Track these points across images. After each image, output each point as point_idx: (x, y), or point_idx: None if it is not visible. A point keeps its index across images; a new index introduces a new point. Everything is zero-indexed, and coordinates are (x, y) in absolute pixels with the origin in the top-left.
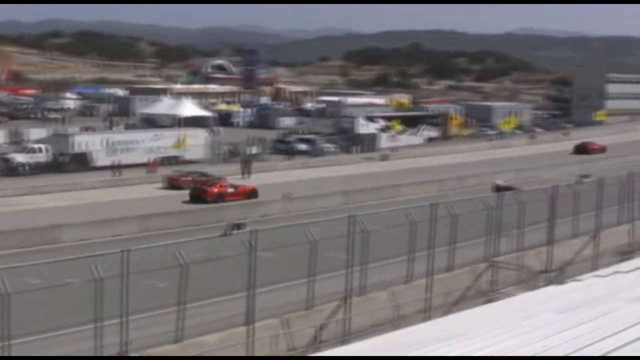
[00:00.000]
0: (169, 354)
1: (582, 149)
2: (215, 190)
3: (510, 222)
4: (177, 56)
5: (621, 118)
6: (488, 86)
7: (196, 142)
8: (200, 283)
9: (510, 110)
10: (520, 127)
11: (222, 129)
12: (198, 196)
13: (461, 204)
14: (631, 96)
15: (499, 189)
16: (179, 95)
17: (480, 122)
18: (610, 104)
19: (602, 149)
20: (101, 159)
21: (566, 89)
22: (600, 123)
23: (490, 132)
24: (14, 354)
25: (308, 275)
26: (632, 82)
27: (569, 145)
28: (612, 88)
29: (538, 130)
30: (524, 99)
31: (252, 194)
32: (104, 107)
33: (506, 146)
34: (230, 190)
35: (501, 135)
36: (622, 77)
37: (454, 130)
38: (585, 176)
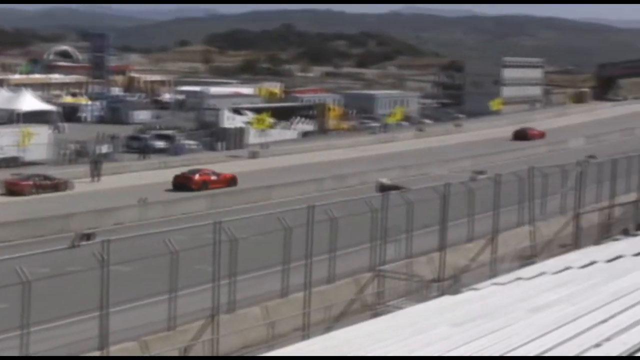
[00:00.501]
0: None
1: (521, 135)
2: (200, 178)
3: (398, 226)
4: (14, 42)
5: (520, 107)
6: (370, 72)
7: (38, 141)
8: (46, 302)
9: (396, 99)
10: (406, 118)
11: (67, 125)
12: (182, 185)
13: (342, 206)
14: (529, 82)
15: (384, 188)
16: (17, 86)
17: (361, 113)
18: (507, 92)
19: (542, 135)
20: None
21: (458, 75)
22: (496, 113)
23: (373, 125)
24: None
25: (169, 291)
26: (530, 67)
27: (462, 137)
28: (508, 73)
29: (427, 121)
30: (411, 87)
31: (232, 181)
32: None
33: (391, 140)
34: (213, 177)
35: (386, 127)
36: (519, 61)
37: (332, 122)
38: (481, 172)
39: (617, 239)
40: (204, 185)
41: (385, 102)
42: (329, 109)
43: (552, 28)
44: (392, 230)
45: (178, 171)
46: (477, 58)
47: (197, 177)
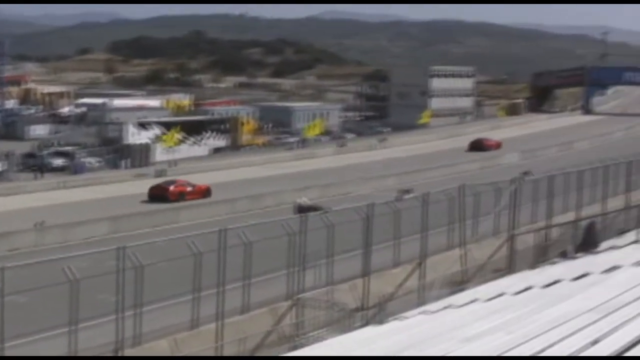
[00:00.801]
0: None
1: (477, 146)
2: (177, 189)
3: (318, 250)
4: None
5: (449, 120)
6: (287, 83)
7: None
8: None
9: (315, 112)
10: (327, 132)
11: None
12: (158, 196)
13: (256, 229)
14: (459, 93)
15: (302, 209)
16: None
17: (278, 127)
18: (435, 103)
19: (498, 145)
20: None
21: (382, 86)
22: (424, 126)
23: (290, 140)
24: None
25: (69, 323)
26: (460, 76)
27: (387, 153)
28: (436, 83)
29: (349, 136)
30: (331, 98)
31: (207, 192)
32: None
33: (310, 156)
34: (188, 188)
35: (304, 143)
36: (448, 70)
37: (245, 137)
38: (407, 191)
39: (554, 263)
40: (181, 196)
41: (304, 115)
42: (243, 123)
43: (484, 34)
44: (312, 255)
45: (80, 191)
46: (403, 67)
47: (173, 188)
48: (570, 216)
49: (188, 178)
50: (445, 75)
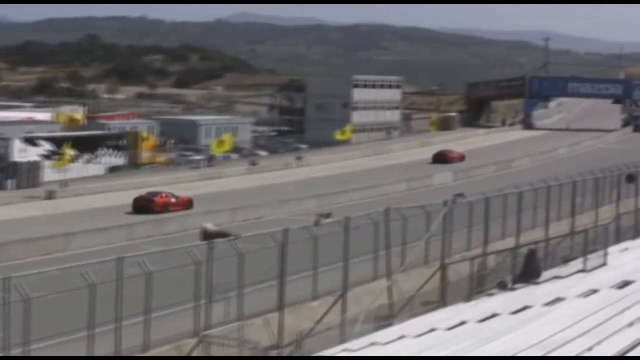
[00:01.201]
0: None
1: (440, 158)
2: (162, 200)
3: (227, 281)
4: None
5: (374, 135)
6: (192, 94)
7: None
8: None
9: (223, 126)
10: (236, 149)
11: None
12: (143, 207)
13: (158, 258)
14: (385, 105)
15: (209, 235)
16: None
17: (182, 143)
18: (358, 117)
19: (462, 157)
20: None
21: (298, 97)
22: (346, 142)
23: (196, 158)
24: None
25: None
26: (385, 86)
27: (304, 172)
28: (359, 94)
29: (261, 153)
30: (242, 111)
31: (189, 204)
32: None
33: (218, 176)
34: (172, 200)
35: (211, 161)
36: (373, 80)
37: (146, 155)
38: (326, 215)
39: (491, 294)
40: (165, 207)
41: (211, 129)
42: (142, 139)
43: (412, 40)
44: (220, 287)
45: None
46: (323, 76)
47: (158, 199)
48: (509, 242)
49: (80, 200)
50: (369, 86)
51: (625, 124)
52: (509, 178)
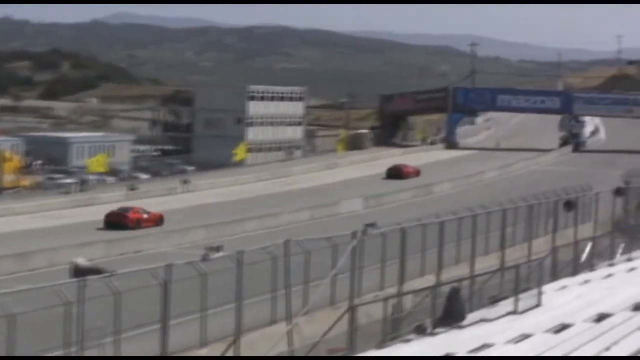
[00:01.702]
0: None
1: (395, 173)
2: (136, 216)
3: (101, 325)
4: None
5: (273, 155)
6: (63, 107)
7: None
8: None
9: (98, 145)
10: (114, 171)
11: None
12: (117, 223)
13: (22, 298)
14: (284, 120)
15: (80, 272)
16: None
17: (50, 164)
18: (254, 134)
19: (417, 173)
20: None
21: (185, 111)
22: (240, 163)
23: (67, 181)
24: None
25: None
26: (286, 99)
27: (192, 198)
28: (255, 108)
29: (142, 176)
30: (120, 127)
31: (160, 220)
32: None
33: (92, 202)
34: (145, 215)
35: (84, 185)
36: (271, 91)
37: (8, 178)
38: (217, 248)
39: (408, 340)
40: (138, 223)
41: (84, 148)
42: (5, 159)
43: (317, 44)
44: (93, 332)
45: None
46: (213, 86)
47: (131, 214)
48: (428, 280)
49: None
50: (267, 98)
51: (564, 142)
52: (428, 205)
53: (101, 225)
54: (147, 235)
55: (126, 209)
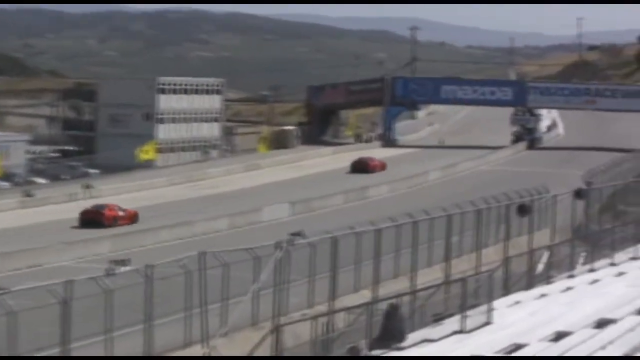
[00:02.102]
0: None
1: (360, 167)
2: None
3: None
4: None
5: (186, 155)
6: None
7: None
8: None
9: None
10: (6, 175)
11: None
12: (92, 221)
13: None
14: (199, 116)
15: None
16: None
17: None
18: (165, 132)
19: (383, 166)
20: None
21: (88, 106)
22: (149, 165)
23: None
24: None
25: None
26: (201, 92)
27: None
28: (166, 102)
29: (40, 180)
30: (14, 125)
31: (135, 217)
32: None
33: None
34: (120, 213)
35: None
36: (184, 83)
37: None
38: (123, 262)
39: None
40: (115, 221)
41: None
42: None
43: (237, 30)
44: None
45: None
46: (119, 78)
47: (107, 212)
48: (363, 296)
49: None
50: (180, 91)
51: (517, 139)
52: (363, 211)
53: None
54: (45, 248)
55: (102, 206)
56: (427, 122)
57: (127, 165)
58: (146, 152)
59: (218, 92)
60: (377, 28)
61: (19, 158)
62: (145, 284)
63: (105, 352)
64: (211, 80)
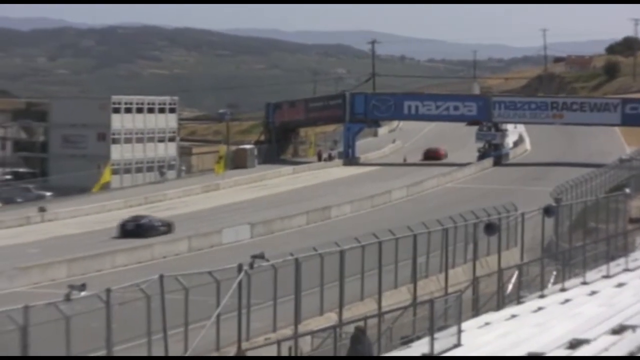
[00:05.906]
0: None
1: (431, 155)
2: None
3: None
4: None
5: (143, 176)
6: None
7: None
8: None
9: None
10: None
11: None
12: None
13: None
14: (154, 136)
15: None
16: None
17: None
18: (119, 152)
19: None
20: None
21: (39, 127)
22: (105, 187)
23: None
24: None
25: None
26: (156, 110)
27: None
28: (119, 122)
29: None
30: None
31: (171, 227)
32: None
33: None
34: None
35: None
36: (138, 102)
37: None
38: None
39: None
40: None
41: None
42: None
43: (190, 46)
44: None
45: None
46: (72, 98)
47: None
48: (329, 319)
49: None
50: (134, 110)
51: (483, 155)
52: (326, 232)
53: None
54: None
55: (140, 217)
56: (390, 139)
57: (82, 187)
58: (104, 175)
59: (173, 110)
60: (335, 42)
61: None
62: (104, 310)
63: None
64: (166, 98)
